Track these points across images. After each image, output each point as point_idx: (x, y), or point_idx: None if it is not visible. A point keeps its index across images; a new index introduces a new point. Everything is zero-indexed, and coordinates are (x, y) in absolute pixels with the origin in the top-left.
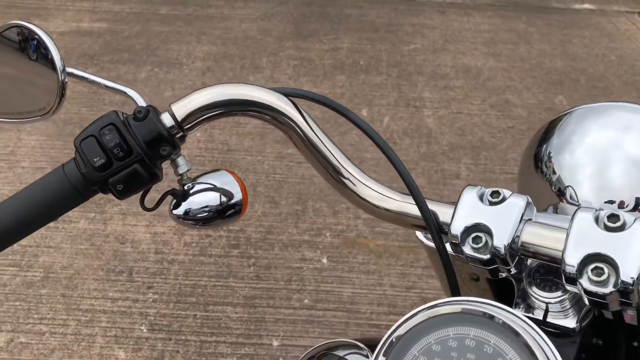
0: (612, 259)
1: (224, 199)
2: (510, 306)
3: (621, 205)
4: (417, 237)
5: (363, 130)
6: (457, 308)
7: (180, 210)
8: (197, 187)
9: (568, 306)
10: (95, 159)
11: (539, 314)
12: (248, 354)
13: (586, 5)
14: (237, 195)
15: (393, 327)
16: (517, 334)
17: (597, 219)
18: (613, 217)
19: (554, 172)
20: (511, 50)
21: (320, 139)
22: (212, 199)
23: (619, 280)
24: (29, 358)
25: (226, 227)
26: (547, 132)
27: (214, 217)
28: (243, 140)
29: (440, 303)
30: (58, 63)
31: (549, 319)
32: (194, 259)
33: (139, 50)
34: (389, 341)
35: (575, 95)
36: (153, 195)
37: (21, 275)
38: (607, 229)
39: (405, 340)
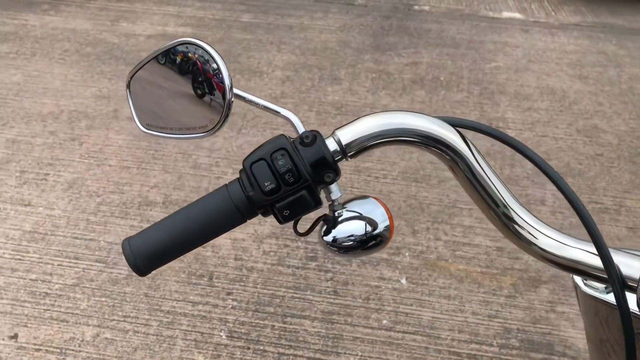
0: None
1: (368, 228)
2: None
3: None
4: (573, 281)
5: (540, 168)
6: None
7: (329, 237)
8: (345, 215)
9: None
10: (266, 183)
11: None
12: None
13: None
14: (382, 226)
15: None
16: None
17: None
18: None
19: None
20: (599, 73)
21: (486, 175)
22: (358, 228)
23: None
24: (113, 355)
25: (366, 257)
26: None
27: (356, 247)
28: None
29: None
30: (227, 82)
31: None
32: (272, 268)
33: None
34: None
35: None
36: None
37: (107, 271)
38: None
39: None
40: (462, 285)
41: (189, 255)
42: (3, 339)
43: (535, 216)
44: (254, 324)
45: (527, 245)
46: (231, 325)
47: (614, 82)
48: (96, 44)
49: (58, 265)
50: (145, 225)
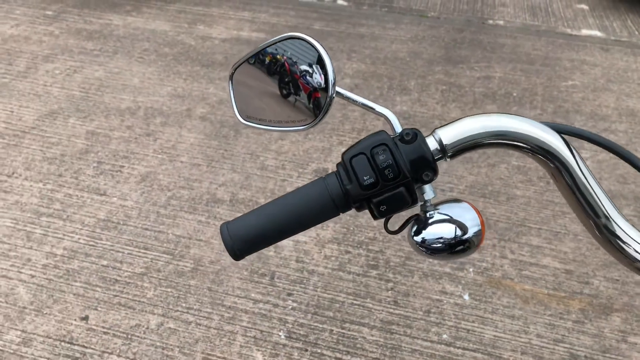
0: None
1: (458, 232)
2: None
3: None
4: None
5: None
6: None
7: (419, 238)
8: (436, 217)
9: None
10: (365, 177)
11: None
12: None
13: None
14: (472, 231)
15: None
16: None
17: None
18: None
19: None
20: None
21: (589, 185)
22: (448, 231)
23: None
24: (175, 344)
25: (452, 261)
26: None
27: (443, 250)
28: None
29: None
30: (331, 79)
31: None
32: (332, 273)
33: None
34: None
35: None
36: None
37: (173, 263)
38: None
39: None
40: (527, 306)
41: (252, 255)
42: (75, 320)
43: (639, 230)
44: (312, 327)
45: (630, 261)
46: (290, 325)
47: None
48: (174, 45)
49: (128, 253)
50: (213, 222)
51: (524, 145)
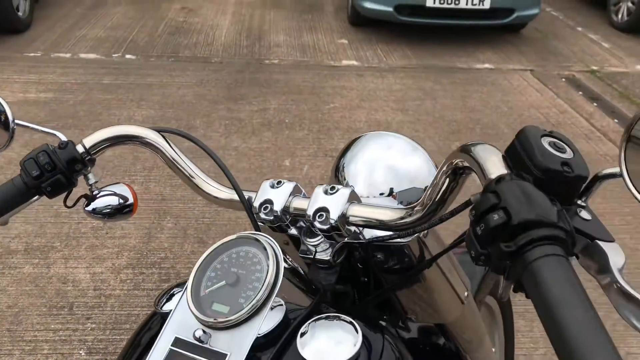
0: (327, 209)
1: (121, 201)
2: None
3: (382, 194)
4: None
5: (203, 149)
6: (234, 236)
7: (90, 208)
8: (102, 193)
9: (327, 246)
10: (33, 172)
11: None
12: None
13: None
14: (130, 199)
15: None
16: (264, 247)
17: (325, 191)
18: (332, 188)
19: (344, 178)
20: (418, 105)
21: (180, 158)
22: (113, 200)
23: (330, 220)
24: None
25: (124, 220)
26: (344, 150)
27: (114, 213)
28: (175, 191)
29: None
30: (10, 116)
31: (317, 257)
32: (128, 293)
33: (83, 116)
34: (201, 261)
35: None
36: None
37: None
38: (327, 194)
39: (208, 260)
40: None
41: (51, 290)
42: None
43: (208, 176)
44: (111, 340)
45: (205, 194)
46: (90, 344)
47: (429, 112)
48: None
49: None
50: (8, 271)
51: (138, 142)
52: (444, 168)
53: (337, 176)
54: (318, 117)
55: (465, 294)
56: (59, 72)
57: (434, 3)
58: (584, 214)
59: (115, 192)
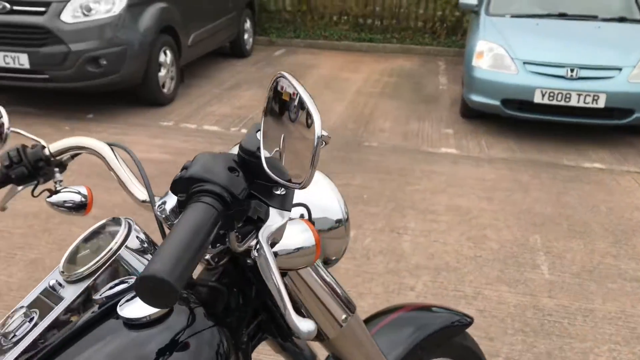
0: None
1: (79, 199)
2: None
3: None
4: None
5: (132, 158)
6: (110, 218)
7: (51, 200)
8: (64, 190)
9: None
10: (5, 162)
11: None
12: None
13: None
14: (86, 200)
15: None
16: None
17: None
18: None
19: None
20: (507, 196)
21: (119, 166)
22: (71, 197)
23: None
24: None
25: (80, 215)
26: None
27: (70, 208)
28: None
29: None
30: (6, 124)
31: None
32: None
33: None
34: None
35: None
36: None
37: None
38: None
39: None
40: None
41: None
42: None
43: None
44: None
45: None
46: None
47: (516, 203)
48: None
49: None
50: None
51: (89, 151)
52: None
53: None
54: (397, 196)
55: (344, 316)
56: (181, 139)
57: (543, 99)
58: (281, 191)
59: (74, 191)
